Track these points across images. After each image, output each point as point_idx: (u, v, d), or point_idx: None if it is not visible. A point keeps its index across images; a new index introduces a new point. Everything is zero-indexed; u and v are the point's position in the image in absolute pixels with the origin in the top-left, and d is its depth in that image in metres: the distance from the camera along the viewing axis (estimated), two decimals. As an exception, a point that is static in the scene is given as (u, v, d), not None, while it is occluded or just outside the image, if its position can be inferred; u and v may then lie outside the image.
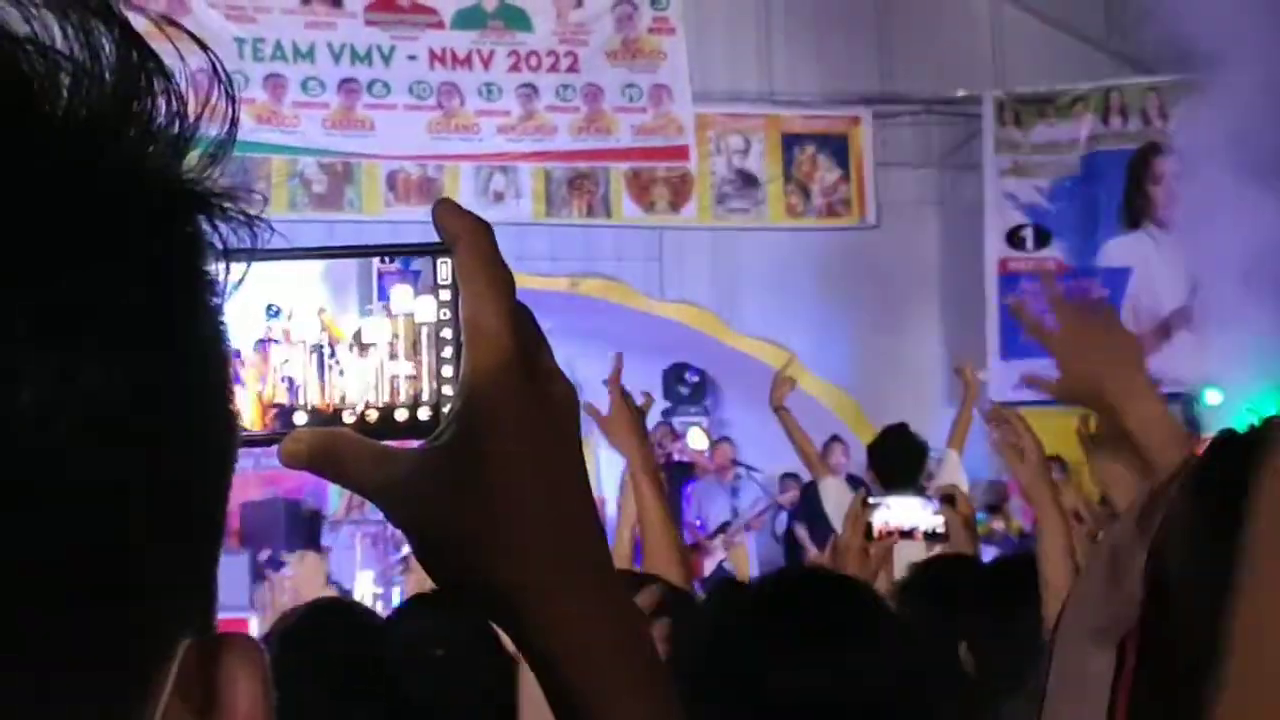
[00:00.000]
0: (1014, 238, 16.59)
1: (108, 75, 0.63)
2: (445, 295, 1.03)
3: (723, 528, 14.62)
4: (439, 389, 1.03)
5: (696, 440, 15.91)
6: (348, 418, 1.03)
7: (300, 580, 5.54)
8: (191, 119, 0.67)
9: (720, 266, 16.77)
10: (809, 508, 13.53)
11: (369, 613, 3.91)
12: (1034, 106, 16.73)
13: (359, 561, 12.60)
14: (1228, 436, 1.25)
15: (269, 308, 1.02)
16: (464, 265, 0.99)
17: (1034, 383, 3.06)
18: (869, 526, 4.60)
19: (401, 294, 1.03)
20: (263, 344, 1.02)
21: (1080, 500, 4.90)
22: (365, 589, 12.12)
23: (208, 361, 0.66)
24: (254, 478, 13.28)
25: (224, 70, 0.71)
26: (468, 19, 16.34)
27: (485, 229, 1.00)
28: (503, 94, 16.32)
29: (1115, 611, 1.19)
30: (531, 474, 0.97)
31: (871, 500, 4.76)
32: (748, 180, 17.00)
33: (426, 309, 1.03)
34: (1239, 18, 12.35)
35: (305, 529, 13.58)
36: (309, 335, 1.02)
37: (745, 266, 16.79)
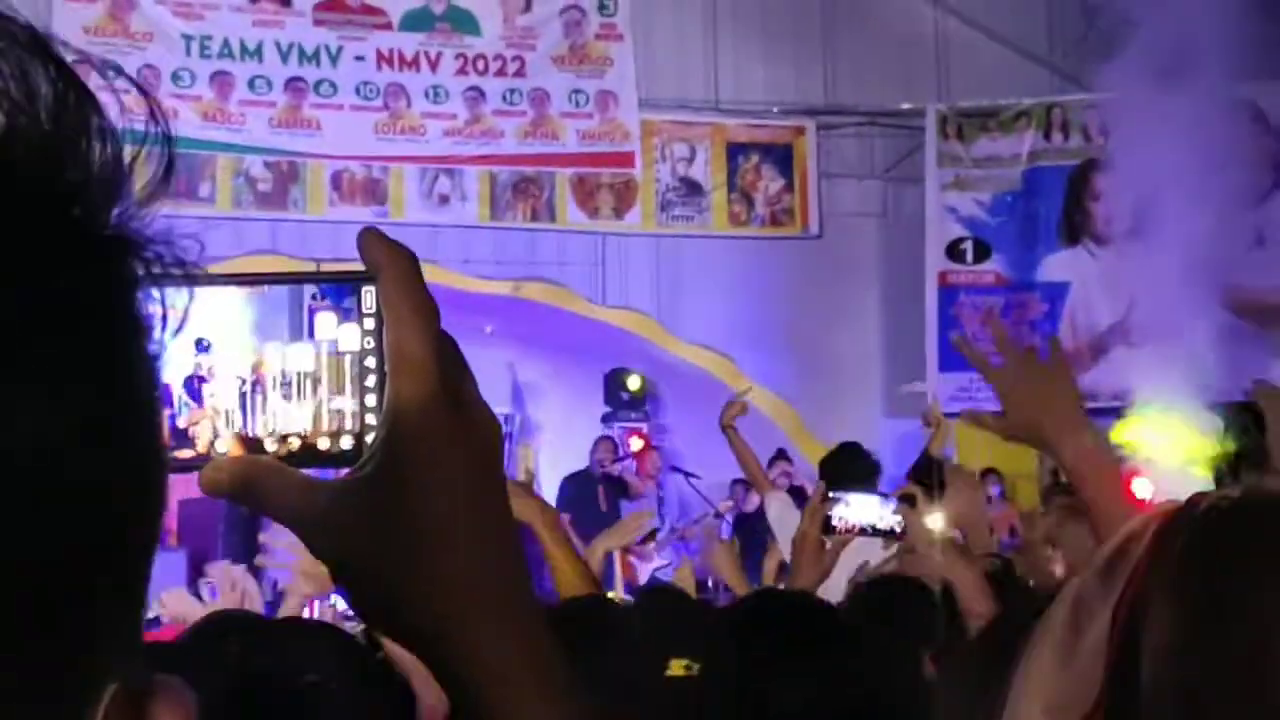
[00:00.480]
0: (954, 250, 16.66)
1: (44, 116, 0.63)
2: (370, 324, 1.03)
3: (651, 534, 14.62)
4: (363, 418, 1.02)
5: (636, 446, 15.93)
6: (270, 445, 1.02)
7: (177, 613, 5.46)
8: (127, 160, 0.66)
9: (663, 273, 16.78)
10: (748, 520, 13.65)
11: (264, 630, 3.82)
12: (977, 120, 16.80)
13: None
14: (1201, 505, 1.20)
15: (198, 342, 1.01)
16: (388, 294, 0.97)
17: (975, 419, 3.12)
18: (827, 520, 4.61)
19: (326, 322, 1.03)
20: (191, 380, 1.01)
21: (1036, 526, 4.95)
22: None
23: (141, 399, 0.67)
24: (192, 476, 13.21)
25: (161, 113, 0.70)
26: (416, 21, 16.32)
27: (409, 258, 0.98)
28: (449, 97, 16.30)
29: (1073, 684, 1.13)
30: (454, 504, 0.96)
31: (832, 495, 4.76)
32: (692, 188, 17.03)
33: (351, 338, 1.03)
34: (1180, 34, 12.44)
35: (243, 528, 13.52)
36: (236, 367, 1.01)
37: (688, 273, 16.81)
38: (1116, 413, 14.47)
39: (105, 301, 0.64)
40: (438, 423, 0.96)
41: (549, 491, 15.59)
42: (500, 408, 16.13)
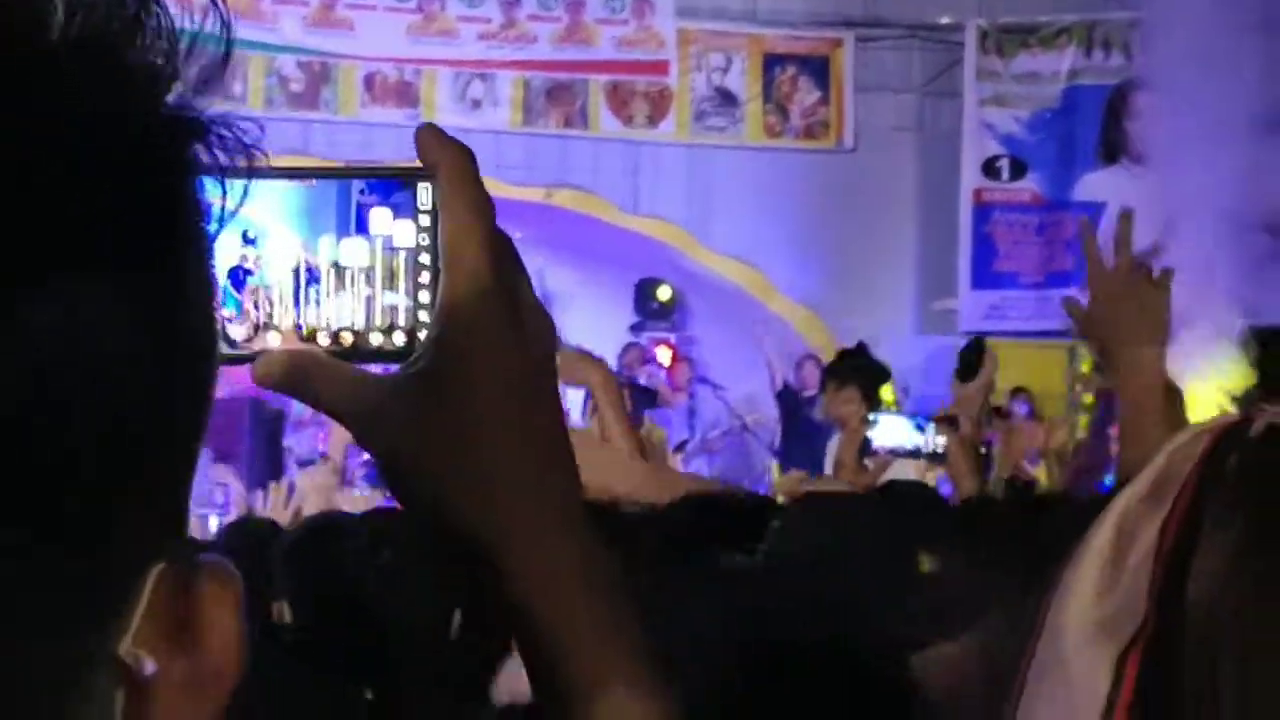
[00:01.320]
0: (990, 168, 16.57)
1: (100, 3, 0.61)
2: (425, 221, 1.01)
3: (680, 446, 14.63)
4: (416, 315, 1.01)
5: (664, 357, 15.93)
6: (323, 339, 1.01)
7: (308, 491, 5.63)
8: (183, 47, 0.65)
9: (695, 184, 16.73)
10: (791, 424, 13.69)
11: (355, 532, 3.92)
12: (1017, 37, 16.67)
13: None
14: (1259, 419, 1.16)
15: (244, 234, 1.01)
16: (445, 192, 0.99)
17: (1069, 308, 3.13)
18: (867, 442, 4.67)
19: (381, 218, 1.02)
20: (236, 271, 1.01)
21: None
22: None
23: (199, 285, 0.65)
24: (221, 373, 13.26)
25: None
26: (452, -77, 16.23)
27: (468, 156, 1.00)
28: (484, 1, 16.21)
29: (1119, 601, 1.10)
30: (504, 401, 0.97)
31: (870, 417, 4.81)
32: (727, 98, 16.93)
33: (406, 234, 1.02)
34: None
35: (268, 429, 13.57)
36: (286, 259, 1.01)
37: (720, 185, 16.75)
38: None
39: (169, 188, 0.63)
40: (491, 320, 0.97)
41: (576, 400, 15.61)
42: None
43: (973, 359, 4.74)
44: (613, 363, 15.04)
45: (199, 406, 0.66)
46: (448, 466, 0.96)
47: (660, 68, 16.65)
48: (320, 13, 15.77)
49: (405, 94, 15.93)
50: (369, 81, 15.95)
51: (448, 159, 0.99)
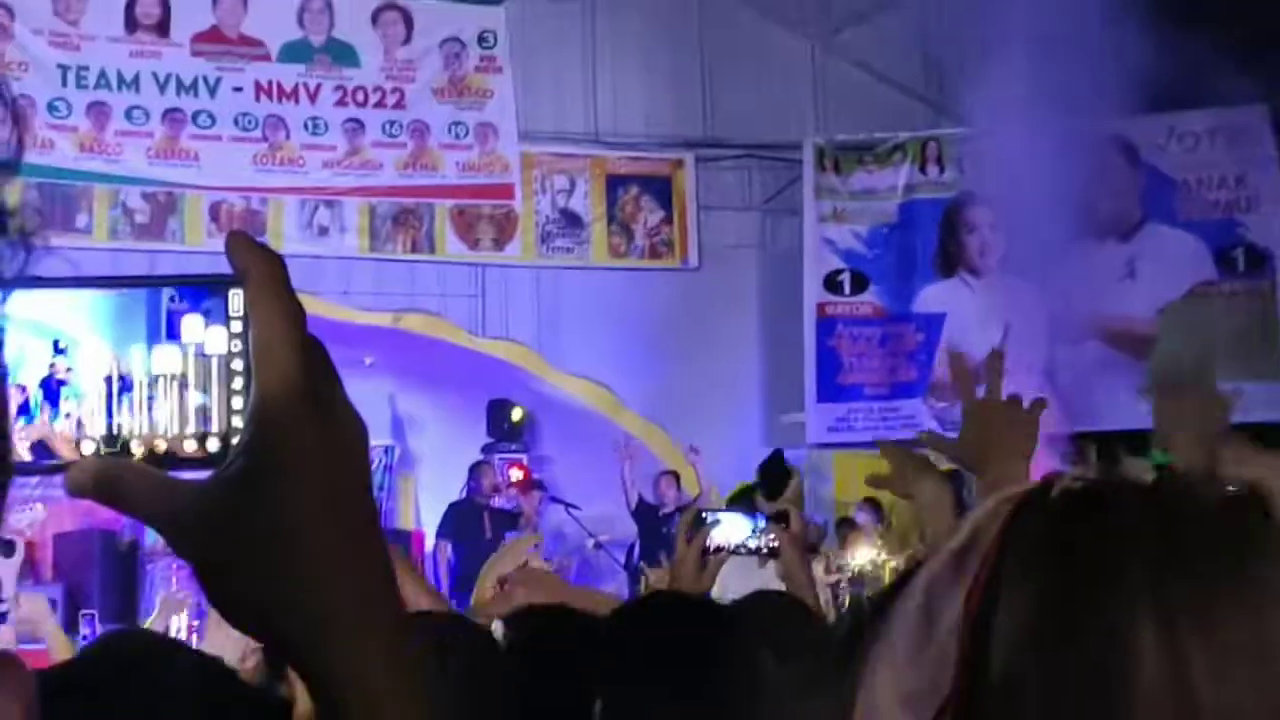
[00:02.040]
0: (832, 282, 16.75)
1: None
2: (236, 327, 1.03)
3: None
4: (229, 420, 1.02)
5: (517, 477, 15.89)
6: (136, 448, 1.02)
7: (27, 617, 5.45)
8: None
9: (543, 304, 16.78)
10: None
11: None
12: (853, 154, 16.92)
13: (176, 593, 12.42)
14: (1057, 485, 1.18)
15: (55, 344, 1.01)
16: (255, 297, 0.98)
17: (931, 441, 3.40)
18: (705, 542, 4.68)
19: (192, 325, 1.03)
20: (49, 381, 1.01)
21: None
22: (182, 622, 11.94)
23: None
24: (68, 509, 13.07)
25: (8, 91, 0.73)
26: (295, 52, 16.25)
27: (276, 261, 1.00)
28: (329, 128, 16.24)
29: (928, 673, 1.11)
30: (316, 503, 0.97)
31: (705, 515, 4.83)
32: (572, 220, 17.04)
33: (217, 340, 1.03)
34: (1051, 69, 12.62)
35: (122, 562, 13.38)
36: (98, 368, 1.01)
37: (568, 305, 16.82)
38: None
39: None
40: (301, 422, 0.96)
41: (431, 520, 15.53)
42: (381, 439, 16.04)
43: (775, 472, 4.79)
44: (463, 483, 15.00)
45: None
46: (260, 567, 0.95)
47: (505, 191, 16.72)
48: (165, 143, 15.72)
49: (252, 222, 15.86)
50: (215, 211, 15.88)
51: (257, 265, 0.99)
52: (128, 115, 15.62)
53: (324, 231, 16.17)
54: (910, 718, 1.10)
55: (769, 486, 4.63)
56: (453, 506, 14.93)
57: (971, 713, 1.09)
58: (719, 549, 4.65)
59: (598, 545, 15.00)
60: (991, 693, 1.08)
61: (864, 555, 13.40)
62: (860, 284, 16.76)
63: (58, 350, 1.01)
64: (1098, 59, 12.41)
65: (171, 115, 15.77)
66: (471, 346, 16.47)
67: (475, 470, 15.16)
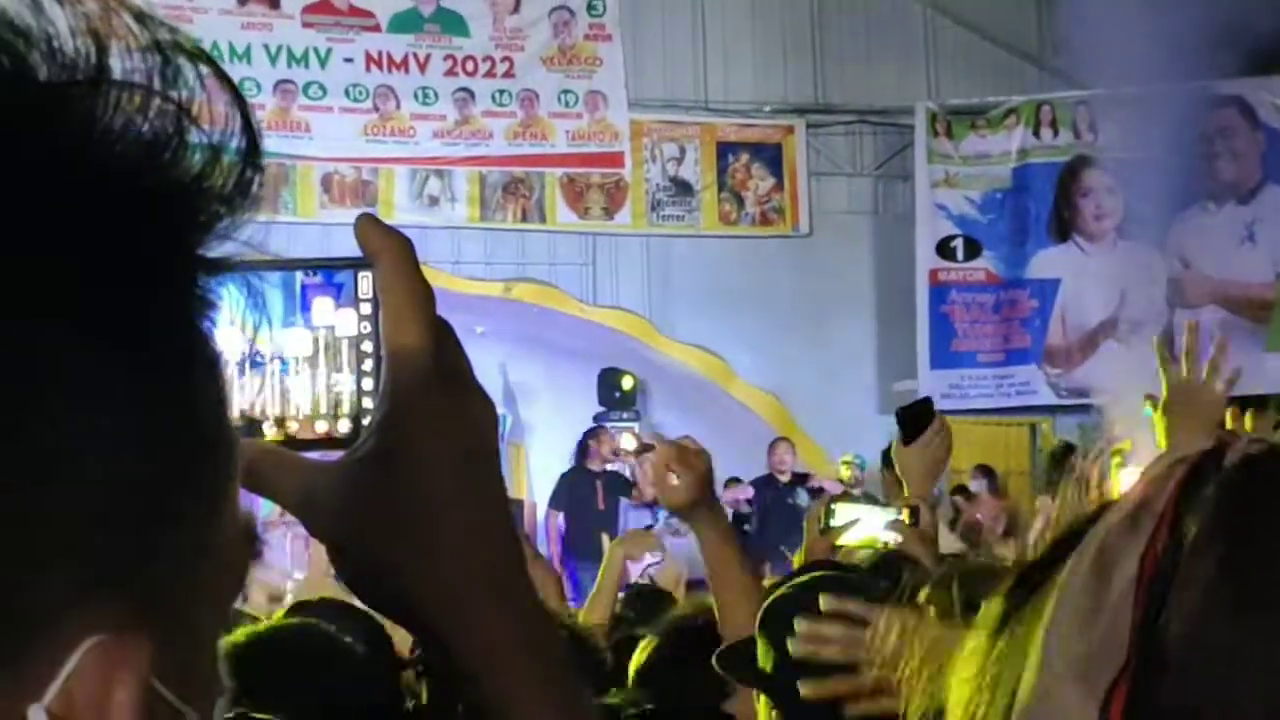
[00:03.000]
0: (945, 248, 16.67)
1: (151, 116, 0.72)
2: (366, 309, 1.03)
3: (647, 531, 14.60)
4: (359, 402, 1.03)
5: (628, 444, 15.90)
6: (268, 429, 1.03)
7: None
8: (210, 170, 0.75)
9: (653, 273, 16.79)
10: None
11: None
12: (966, 118, 16.82)
13: (291, 563, 12.55)
14: (1233, 448, 1.14)
15: None
16: (385, 280, 0.99)
17: (1160, 351, 3.70)
18: (829, 529, 4.65)
19: (323, 307, 1.04)
20: None
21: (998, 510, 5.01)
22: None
23: (202, 372, 0.73)
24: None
25: (253, 122, 0.82)
26: (404, 22, 16.32)
27: (406, 244, 1.01)
28: (439, 98, 16.30)
29: (1101, 636, 1.07)
30: (448, 483, 0.97)
31: (834, 507, 4.80)
32: (682, 187, 17.03)
33: (348, 322, 1.04)
34: (1163, 35, 12.46)
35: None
36: (229, 349, 0.99)
37: (678, 273, 16.81)
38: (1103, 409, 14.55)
39: (186, 327, 0.71)
40: (432, 403, 0.97)
41: (542, 490, 15.57)
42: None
43: (915, 416, 4.68)
44: (574, 451, 15.00)
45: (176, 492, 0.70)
46: (393, 547, 0.96)
47: (615, 159, 16.74)
48: (277, 115, 15.83)
49: (363, 193, 15.98)
50: (326, 182, 16.01)
51: (387, 248, 1.00)
52: (239, 87, 15.71)
53: (434, 201, 16.25)
54: (1082, 685, 1.06)
55: (908, 430, 4.54)
56: (565, 476, 14.95)
57: (1148, 682, 1.05)
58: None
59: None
60: (1169, 662, 1.04)
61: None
62: (973, 250, 16.66)
63: None
64: (1215, 18, 12.23)
65: (283, 87, 15.89)
66: (582, 315, 16.50)
67: (587, 437, 15.16)
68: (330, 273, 1.05)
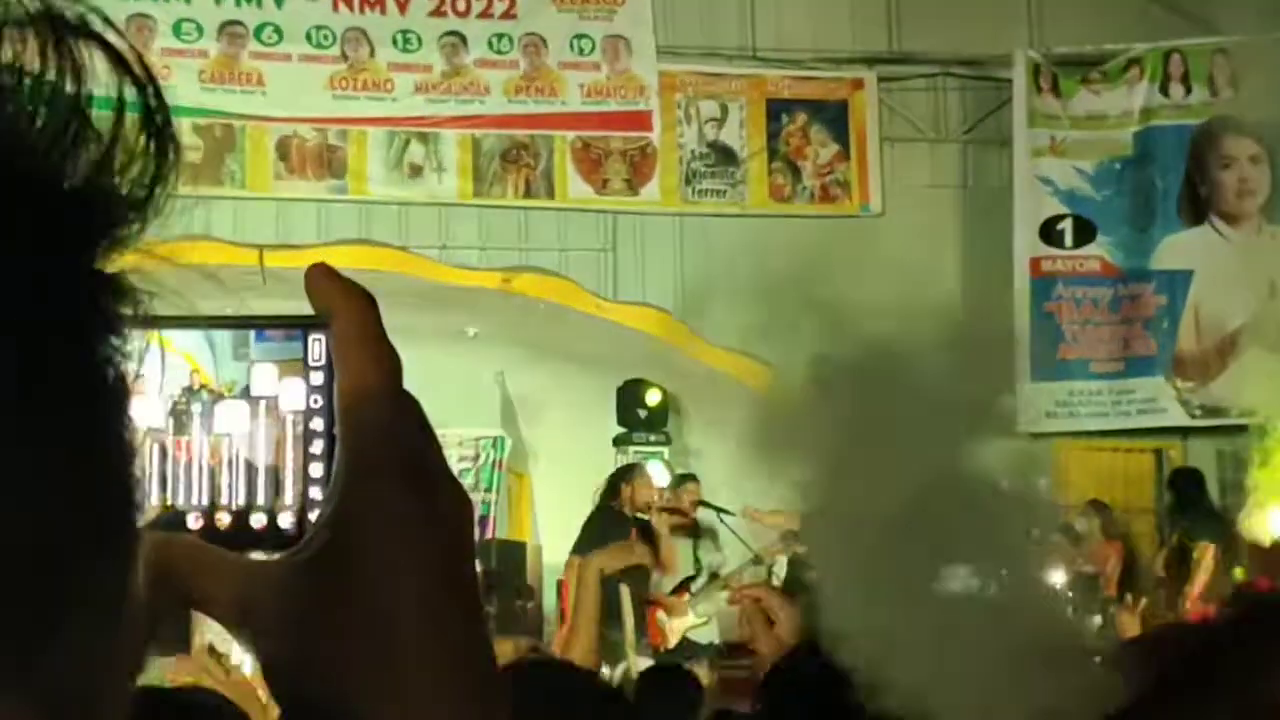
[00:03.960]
0: (1050, 232, 16.66)
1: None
2: (316, 378, 1.03)
3: (685, 584, 14.59)
4: (305, 491, 1.03)
5: (658, 475, 15.89)
6: (192, 522, 1.03)
7: None
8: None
9: (688, 261, 16.80)
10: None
11: None
12: (1076, 70, 16.82)
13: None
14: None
15: None
16: (341, 344, 0.99)
17: None
18: None
19: (264, 375, 1.04)
20: None
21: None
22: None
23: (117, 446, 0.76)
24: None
25: (154, 83, 0.83)
26: (381, -49, 16.37)
27: (368, 301, 1.00)
28: (422, 44, 16.33)
29: None
30: (414, 609, 0.97)
31: None
32: (724, 155, 17.04)
33: (294, 394, 1.04)
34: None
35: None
36: (150, 421, 0.99)
37: (719, 262, 16.79)
38: (1246, 429, 14.50)
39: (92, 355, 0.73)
40: (395, 497, 0.97)
41: (550, 530, 15.53)
42: (487, 429, 16.11)
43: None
44: (590, 490, 14.94)
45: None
46: (345, 680, 0.96)
47: (641, 120, 16.76)
48: (222, 65, 15.87)
49: (328, 161, 16.00)
50: (283, 148, 16.03)
51: (346, 306, 1.00)
52: (176, 30, 15.78)
53: (417, 172, 16.27)
54: None
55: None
56: (593, 517, 14.84)
57: None
58: None
59: (758, 561, 14.93)
60: None
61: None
62: (1085, 234, 16.66)
63: None
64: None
65: (230, 29, 15.93)
66: (599, 314, 16.51)
67: (620, 479, 15.02)
68: (270, 333, 1.05)
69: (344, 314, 0.99)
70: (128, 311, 0.75)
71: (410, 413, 0.99)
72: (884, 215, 17.20)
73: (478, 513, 18.39)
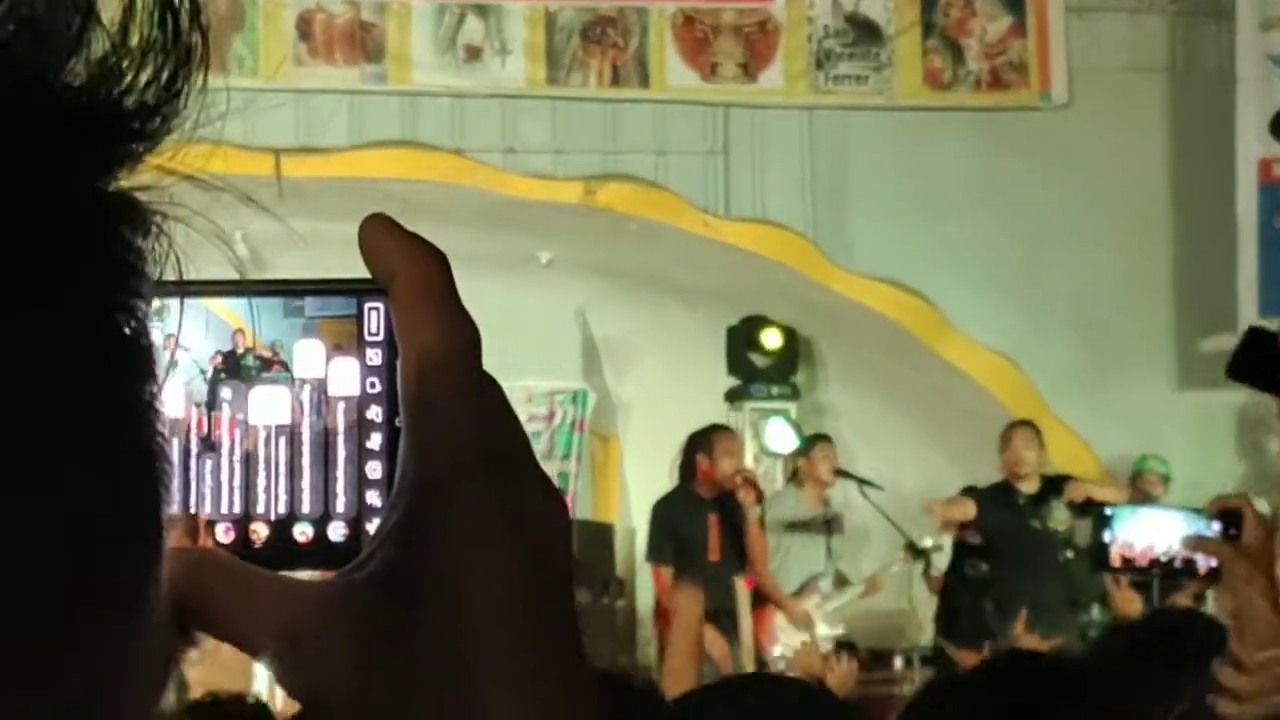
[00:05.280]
0: (1282, 126, 16.61)
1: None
2: (375, 357, 1.04)
3: (811, 582, 14.61)
4: (360, 497, 1.03)
5: (780, 438, 15.91)
6: (223, 534, 1.03)
7: None
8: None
9: (820, 167, 16.81)
10: None
11: None
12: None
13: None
14: None
15: None
16: (406, 315, 0.99)
17: None
18: (1102, 548, 4.74)
19: (310, 353, 1.04)
20: None
21: None
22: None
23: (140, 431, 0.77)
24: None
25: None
26: None
27: (438, 260, 0.99)
28: (480, -109, 16.40)
29: None
30: (502, 625, 0.97)
31: (1108, 512, 4.88)
32: (865, 32, 17.03)
33: (345, 376, 1.04)
34: None
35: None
36: (173, 411, 1.00)
37: (859, 167, 16.83)
38: None
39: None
40: (476, 502, 0.97)
41: (644, 507, 15.59)
42: (565, 380, 16.18)
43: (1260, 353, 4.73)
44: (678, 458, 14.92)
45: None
46: (418, 712, 0.96)
47: (758, -13, 16.81)
48: (226, -80, 15.98)
49: (361, 42, 16.07)
50: (304, 25, 16.10)
51: (409, 266, 0.99)
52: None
53: (474, 55, 16.32)
54: None
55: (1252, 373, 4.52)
56: (663, 501, 14.77)
57: None
58: (1131, 564, 4.69)
59: (917, 551, 14.89)
60: None
61: None
62: (1329, 128, 16.59)
63: None
64: None
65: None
66: (706, 234, 16.54)
67: (695, 447, 14.91)
68: (320, 301, 1.04)
69: (408, 276, 0.99)
70: (146, 253, 0.75)
71: (491, 398, 0.99)
72: (1070, 106, 17.18)
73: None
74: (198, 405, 1.02)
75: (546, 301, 15.70)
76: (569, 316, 16.24)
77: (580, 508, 16.17)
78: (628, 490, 16.66)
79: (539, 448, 15.42)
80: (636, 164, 16.58)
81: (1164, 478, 14.48)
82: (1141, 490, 14.38)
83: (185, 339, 1.01)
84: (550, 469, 16.49)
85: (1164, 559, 4.68)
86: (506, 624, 0.96)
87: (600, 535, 15.55)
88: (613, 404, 16.90)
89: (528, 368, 14.37)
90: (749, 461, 15.58)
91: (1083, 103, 17.15)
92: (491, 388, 0.99)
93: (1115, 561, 4.72)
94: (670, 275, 16.43)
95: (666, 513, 14.58)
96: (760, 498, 14.64)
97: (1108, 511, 4.84)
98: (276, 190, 12.84)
